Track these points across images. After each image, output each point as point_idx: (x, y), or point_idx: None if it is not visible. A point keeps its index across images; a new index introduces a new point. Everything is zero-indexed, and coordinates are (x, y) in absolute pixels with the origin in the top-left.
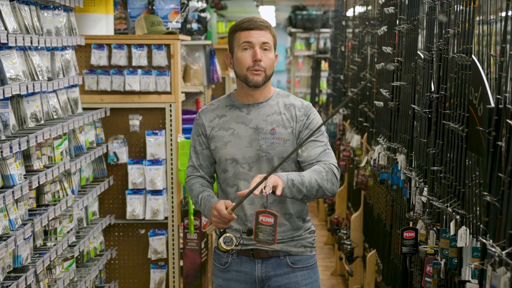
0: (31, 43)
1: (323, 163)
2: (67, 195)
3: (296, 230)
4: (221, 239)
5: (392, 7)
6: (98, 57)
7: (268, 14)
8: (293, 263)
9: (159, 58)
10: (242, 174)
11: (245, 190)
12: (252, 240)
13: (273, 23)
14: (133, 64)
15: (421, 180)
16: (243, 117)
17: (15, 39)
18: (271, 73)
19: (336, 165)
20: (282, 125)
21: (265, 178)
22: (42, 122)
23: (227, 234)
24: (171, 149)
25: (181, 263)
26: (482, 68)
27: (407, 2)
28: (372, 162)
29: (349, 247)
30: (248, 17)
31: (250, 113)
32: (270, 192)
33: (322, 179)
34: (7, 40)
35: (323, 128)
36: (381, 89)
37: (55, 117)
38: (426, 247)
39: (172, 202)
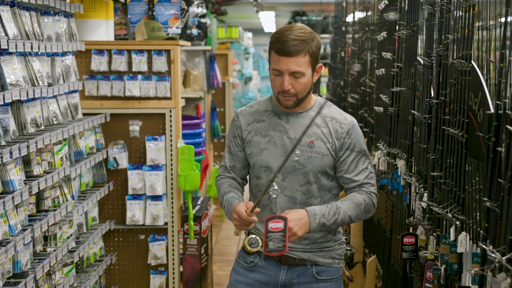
0: (32, 48)
1: (365, 193)
2: (67, 200)
3: (326, 241)
4: (246, 241)
5: (392, 13)
6: (98, 63)
7: (268, 19)
8: (318, 274)
9: (159, 64)
10: (275, 183)
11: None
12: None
13: (273, 29)
14: (133, 69)
15: (421, 185)
16: (282, 125)
17: (16, 45)
18: (305, 94)
19: (376, 191)
20: (321, 138)
21: (271, 182)
22: (42, 127)
23: (252, 236)
24: (171, 155)
25: (181, 269)
26: (482, 74)
27: (406, 8)
28: None
29: (349, 252)
30: (285, 33)
31: (289, 122)
32: (276, 196)
33: (358, 214)
34: (8, 45)
35: (365, 147)
36: (381, 95)
37: (55, 122)
38: (426, 253)
39: (172, 207)
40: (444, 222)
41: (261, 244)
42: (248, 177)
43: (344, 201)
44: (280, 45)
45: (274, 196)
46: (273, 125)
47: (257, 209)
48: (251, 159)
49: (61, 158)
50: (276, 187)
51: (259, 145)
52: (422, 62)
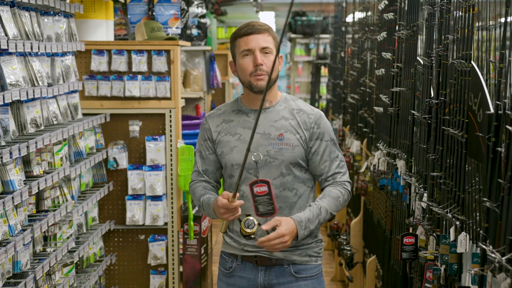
0: (31, 49)
1: (340, 186)
2: (66, 200)
3: (303, 239)
4: (242, 225)
5: (392, 13)
6: (98, 63)
7: (268, 20)
8: (297, 272)
9: (159, 64)
10: (248, 180)
11: (264, 237)
12: (255, 246)
13: (273, 29)
14: (133, 69)
15: (420, 185)
16: (250, 122)
17: (16, 45)
18: (275, 76)
19: (349, 178)
20: (290, 130)
21: (248, 150)
22: (42, 127)
23: (248, 217)
24: (171, 155)
25: (181, 269)
26: (482, 74)
27: (406, 8)
28: (371, 168)
29: (349, 252)
30: (247, 23)
31: None
32: (259, 160)
33: (337, 207)
34: (8, 46)
35: (334, 136)
36: (380, 95)
37: (55, 122)
38: (426, 253)
39: (172, 207)
40: (444, 222)
41: (257, 223)
42: (222, 180)
43: (323, 199)
44: (246, 28)
45: (258, 160)
46: (241, 123)
47: (237, 194)
48: (223, 159)
49: (61, 158)
50: (256, 153)
51: (229, 144)
52: (422, 62)
